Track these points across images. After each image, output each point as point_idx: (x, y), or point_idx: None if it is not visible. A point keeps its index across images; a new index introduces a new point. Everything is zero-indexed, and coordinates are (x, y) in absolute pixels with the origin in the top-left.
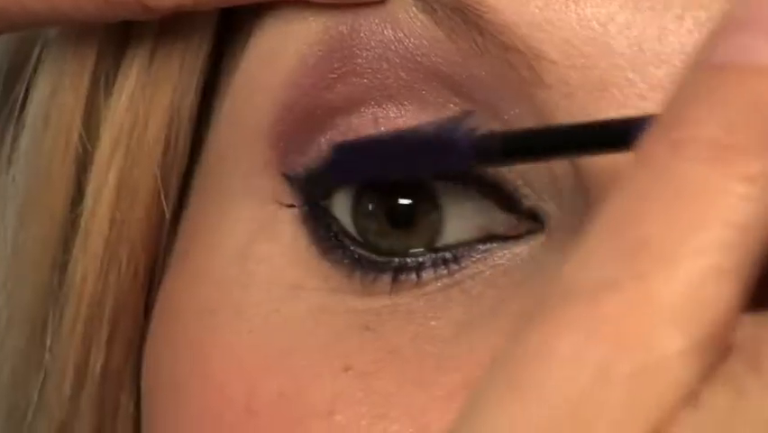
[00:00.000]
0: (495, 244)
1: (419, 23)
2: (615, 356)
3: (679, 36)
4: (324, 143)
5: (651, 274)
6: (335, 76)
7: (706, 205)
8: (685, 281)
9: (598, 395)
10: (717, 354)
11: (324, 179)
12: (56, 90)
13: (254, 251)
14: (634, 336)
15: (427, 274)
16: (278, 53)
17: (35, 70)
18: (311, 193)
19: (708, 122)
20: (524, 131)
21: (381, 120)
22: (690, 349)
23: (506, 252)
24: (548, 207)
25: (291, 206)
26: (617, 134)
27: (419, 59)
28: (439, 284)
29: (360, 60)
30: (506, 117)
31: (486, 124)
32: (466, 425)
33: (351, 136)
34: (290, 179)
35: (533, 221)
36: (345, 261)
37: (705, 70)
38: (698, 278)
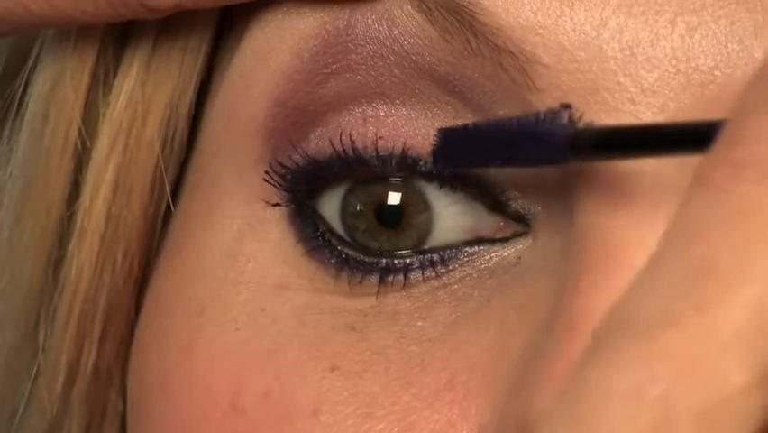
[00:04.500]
0: (482, 247)
1: (414, 22)
2: (676, 394)
3: (671, 41)
4: (313, 140)
5: (711, 305)
6: (329, 71)
7: (765, 226)
8: (745, 309)
9: None
10: None
11: (310, 176)
12: (56, 86)
13: (243, 249)
14: (695, 372)
15: (415, 276)
16: (274, 48)
17: (34, 66)
18: (299, 191)
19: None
20: (617, 128)
21: (370, 119)
22: (755, 381)
23: (493, 254)
24: (535, 210)
25: (277, 204)
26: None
27: (413, 57)
28: (426, 286)
29: (354, 56)
30: None
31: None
32: None
33: (339, 133)
34: (279, 176)
35: (519, 223)
36: (332, 260)
37: (765, 86)
38: (758, 305)
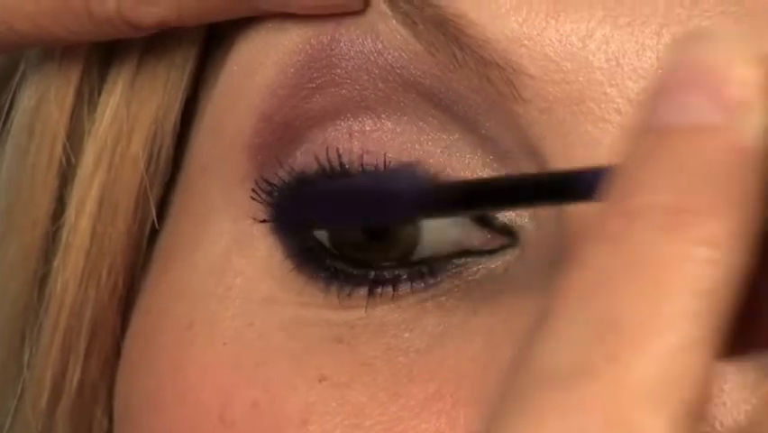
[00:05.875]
0: (469, 259)
1: (399, 36)
2: None
3: (656, 51)
4: (300, 157)
5: (622, 356)
6: (314, 86)
7: (669, 275)
8: (656, 360)
9: None
10: (696, 424)
11: (297, 193)
12: (41, 102)
13: (231, 265)
14: (612, 422)
15: (404, 287)
16: (259, 64)
17: (20, 83)
18: (285, 207)
19: (659, 188)
20: (467, 182)
21: (356, 134)
22: (668, 430)
23: (480, 266)
24: (522, 222)
25: (264, 221)
26: (568, 186)
27: (398, 71)
28: (414, 297)
29: (339, 71)
30: (483, 131)
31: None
32: None
33: (326, 149)
34: (266, 193)
35: (507, 236)
36: (321, 274)
37: (649, 134)
38: (668, 354)
